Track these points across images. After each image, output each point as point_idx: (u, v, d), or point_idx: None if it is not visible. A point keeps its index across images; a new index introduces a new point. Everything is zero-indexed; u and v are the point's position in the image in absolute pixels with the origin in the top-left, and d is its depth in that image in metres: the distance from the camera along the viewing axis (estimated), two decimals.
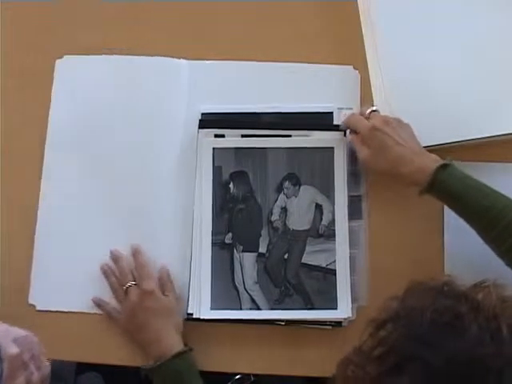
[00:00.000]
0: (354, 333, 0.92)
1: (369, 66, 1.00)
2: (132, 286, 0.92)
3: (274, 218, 0.96)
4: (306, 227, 0.95)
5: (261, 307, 0.93)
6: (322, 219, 0.95)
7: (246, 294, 0.94)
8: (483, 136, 0.95)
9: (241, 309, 0.93)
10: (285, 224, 0.95)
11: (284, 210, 0.96)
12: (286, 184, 0.96)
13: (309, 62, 1.01)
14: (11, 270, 0.95)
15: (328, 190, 0.96)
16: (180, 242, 0.95)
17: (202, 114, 0.99)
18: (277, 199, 0.96)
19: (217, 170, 0.96)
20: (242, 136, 0.97)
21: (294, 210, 0.96)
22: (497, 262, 0.83)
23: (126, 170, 0.98)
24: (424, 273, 0.94)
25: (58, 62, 1.01)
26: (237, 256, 0.94)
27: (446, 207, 0.94)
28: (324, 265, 0.94)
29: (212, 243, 0.94)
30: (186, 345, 0.90)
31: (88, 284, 0.95)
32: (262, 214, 0.96)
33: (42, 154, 0.98)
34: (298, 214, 0.96)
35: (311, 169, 0.96)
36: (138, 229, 0.96)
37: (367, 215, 0.97)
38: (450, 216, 0.91)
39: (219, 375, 0.94)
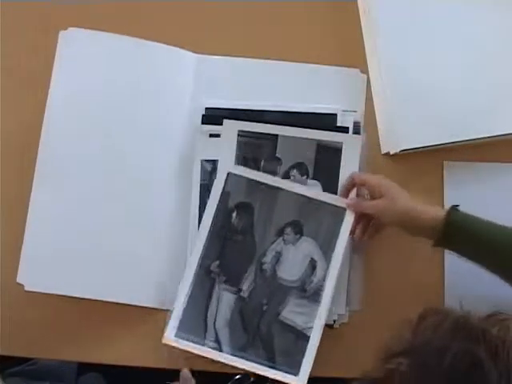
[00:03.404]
0: (354, 334, 0.94)
1: (369, 67, 1.01)
2: None
3: (266, 259, 0.93)
4: (294, 279, 0.93)
5: (223, 349, 0.92)
6: (311, 278, 0.92)
7: (213, 332, 0.92)
8: (483, 136, 0.95)
9: (203, 345, 0.92)
10: (274, 269, 0.93)
11: (278, 254, 0.93)
12: (288, 230, 0.94)
13: (310, 62, 1.01)
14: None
15: (328, 248, 0.93)
16: (178, 232, 0.96)
17: (206, 108, 0.99)
18: (274, 242, 0.94)
19: (225, 196, 0.94)
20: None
21: (288, 258, 0.93)
22: None
23: (123, 163, 0.97)
24: (421, 278, 0.95)
25: (61, 33, 0.98)
26: (217, 290, 0.93)
27: None
28: (300, 328, 0.91)
29: (198, 265, 0.93)
30: None
31: (81, 268, 0.94)
32: (256, 252, 0.94)
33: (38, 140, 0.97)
34: (291, 264, 0.93)
35: (317, 222, 0.93)
36: (135, 221, 0.96)
37: None
38: None
39: (219, 375, 0.95)
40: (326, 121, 0.98)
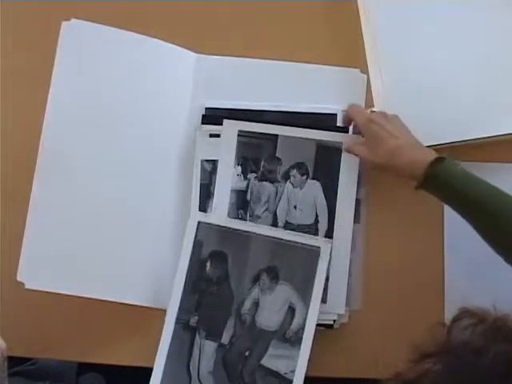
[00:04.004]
0: (354, 334, 0.94)
1: (369, 66, 1.00)
2: None
3: (244, 309, 0.92)
4: (274, 328, 0.91)
5: None
6: (291, 323, 0.91)
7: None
8: (483, 136, 0.95)
9: None
10: (253, 319, 0.92)
11: (256, 304, 0.92)
12: (264, 277, 0.92)
13: (310, 62, 1.01)
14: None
15: (305, 291, 0.91)
16: (178, 232, 0.96)
17: (206, 108, 0.99)
18: (251, 289, 0.92)
19: (197, 245, 0.94)
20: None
21: (266, 305, 0.92)
22: (497, 267, 0.83)
23: (123, 162, 0.96)
24: (421, 277, 0.95)
25: (64, 24, 0.96)
26: (198, 340, 0.92)
27: (445, 211, 0.94)
28: (282, 372, 0.90)
29: (176, 320, 0.92)
30: None
31: (81, 266, 0.94)
32: (233, 302, 0.92)
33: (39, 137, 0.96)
34: (269, 312, 0.92)
35: (293, 265, 0.92)
36: (135, 221, 0.96)
37: (365, 219, 0.97)
38: (451, 220, 0.90)
39: None
40: (326, 121, 0.98)
